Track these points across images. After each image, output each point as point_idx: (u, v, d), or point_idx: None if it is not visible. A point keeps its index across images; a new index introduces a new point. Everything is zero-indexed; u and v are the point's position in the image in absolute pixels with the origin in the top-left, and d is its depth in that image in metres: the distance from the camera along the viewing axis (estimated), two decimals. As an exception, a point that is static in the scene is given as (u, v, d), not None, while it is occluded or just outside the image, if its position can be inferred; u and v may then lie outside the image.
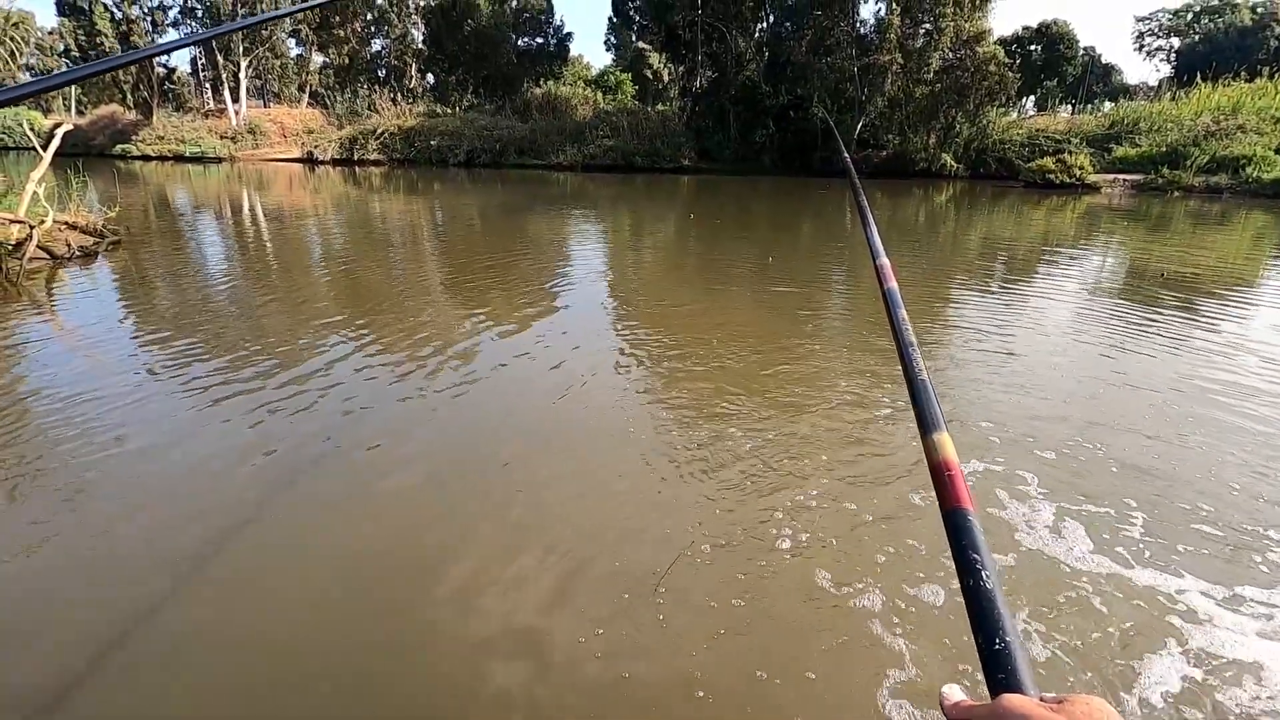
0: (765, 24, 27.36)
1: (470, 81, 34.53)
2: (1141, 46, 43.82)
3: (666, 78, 37.62)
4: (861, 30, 24.52)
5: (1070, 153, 20.95)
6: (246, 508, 2.86)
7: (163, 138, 32.63)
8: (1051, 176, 19.86)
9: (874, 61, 23.27)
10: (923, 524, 2.69)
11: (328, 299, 6.45)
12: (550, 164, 27.30)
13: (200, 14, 34.09)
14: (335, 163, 29.21)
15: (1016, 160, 22.26)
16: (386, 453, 3.36)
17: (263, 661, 2.07)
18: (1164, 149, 20.47)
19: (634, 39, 38.53)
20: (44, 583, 2.40)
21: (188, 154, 31.60)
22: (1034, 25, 37.09)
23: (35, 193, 7.84)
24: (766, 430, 3.58)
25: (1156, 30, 42.90)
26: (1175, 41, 41.66)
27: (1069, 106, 34.50)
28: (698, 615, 2.22)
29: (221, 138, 32.82)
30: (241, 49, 33.59)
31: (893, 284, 1.01)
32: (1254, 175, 18.30)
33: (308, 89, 39.28)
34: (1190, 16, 40.66)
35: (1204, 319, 5.91)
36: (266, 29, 33.82)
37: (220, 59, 33.66)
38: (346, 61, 36.67)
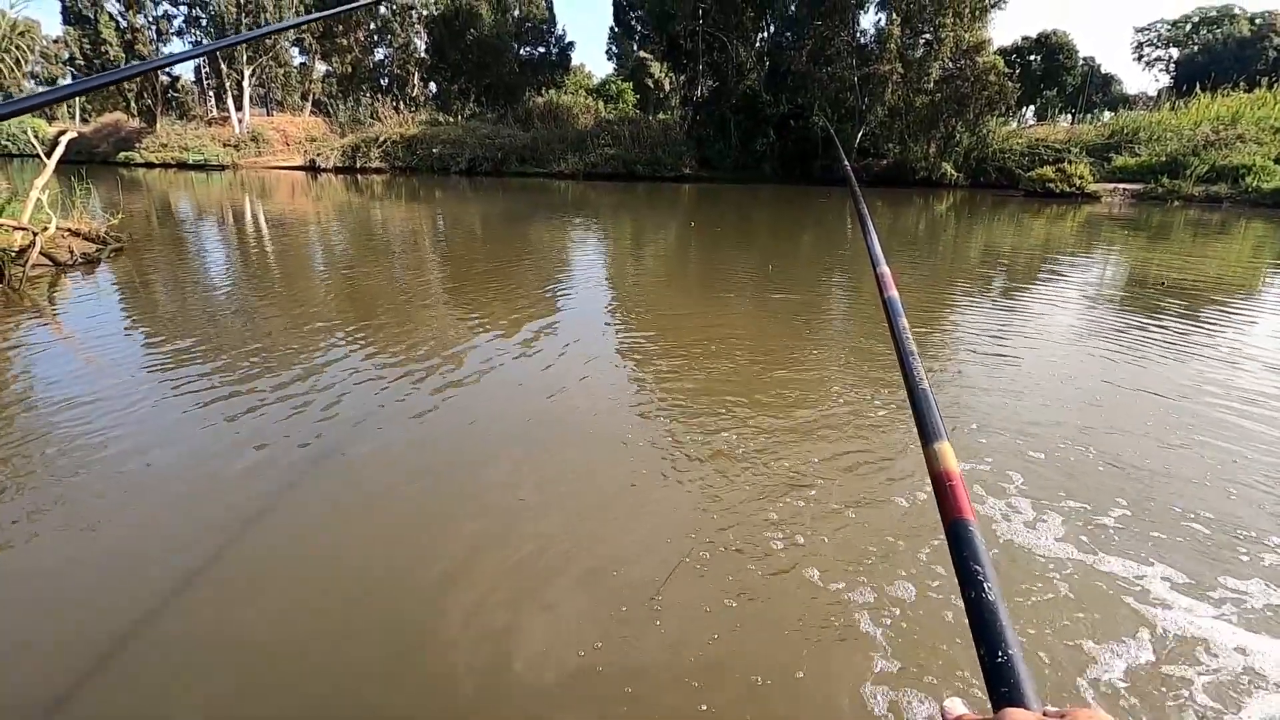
0: (766, 34, 27.52)
1: (472, 90, 34.75)
2: (1141, 57, 44.01)
3: (668, 87, 37.78)
4: (862, 40, 24.65)
5: (1070, 162, 21.02)
6: (245, 510, 2.85)
7: (166, 145, 32.80)
8: (1051, 186, 19.92)
9: (874, 71, 23.38)
10: (921, 532, 2.68)
11: (328, 305, 6.46)
12: (552, 172, 27.39)
13: (204, 23, 34.33)
14: (337, 170, 29.33)
15: (1016, 169, 22.32)
16: (385, 456, 3.35)
17: (260, 662, 2.07)
18: (1163, 158, 20.53)
19: (635, 48, 38.71)
20: (43, 584, 2.40)
21: (191, 162, 31.75)
22: (1033, 35, 37.30)
23: (39, 200, 7.87)
24: (765, 437, 3.57)
25: (1155, 41, 43.08)
26: (1174, 52, 41.83)
27: (1069, 116, 34.59)
28: (697, 624, 2.21)
29: (225, 145, 33.00)
30: (245, 58, 33.79)
31: (893, 292, 1.01)
32: (1253, 185, 18.34)
33: (311, 97, 39.51)
34: (1189, 27, 40.85)
35: (1204, 327, 5.90)
36: (270, 39, 34.08)
37: (224, 68, 33.87)
38: (349, 70, 36.90)
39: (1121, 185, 20.37)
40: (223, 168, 31.33)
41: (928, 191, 22.21)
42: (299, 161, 31.09)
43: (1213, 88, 23.83)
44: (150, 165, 31.64)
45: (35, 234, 7.33)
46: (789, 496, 2.98)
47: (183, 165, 31.51)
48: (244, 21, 32.67)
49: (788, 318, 6.18)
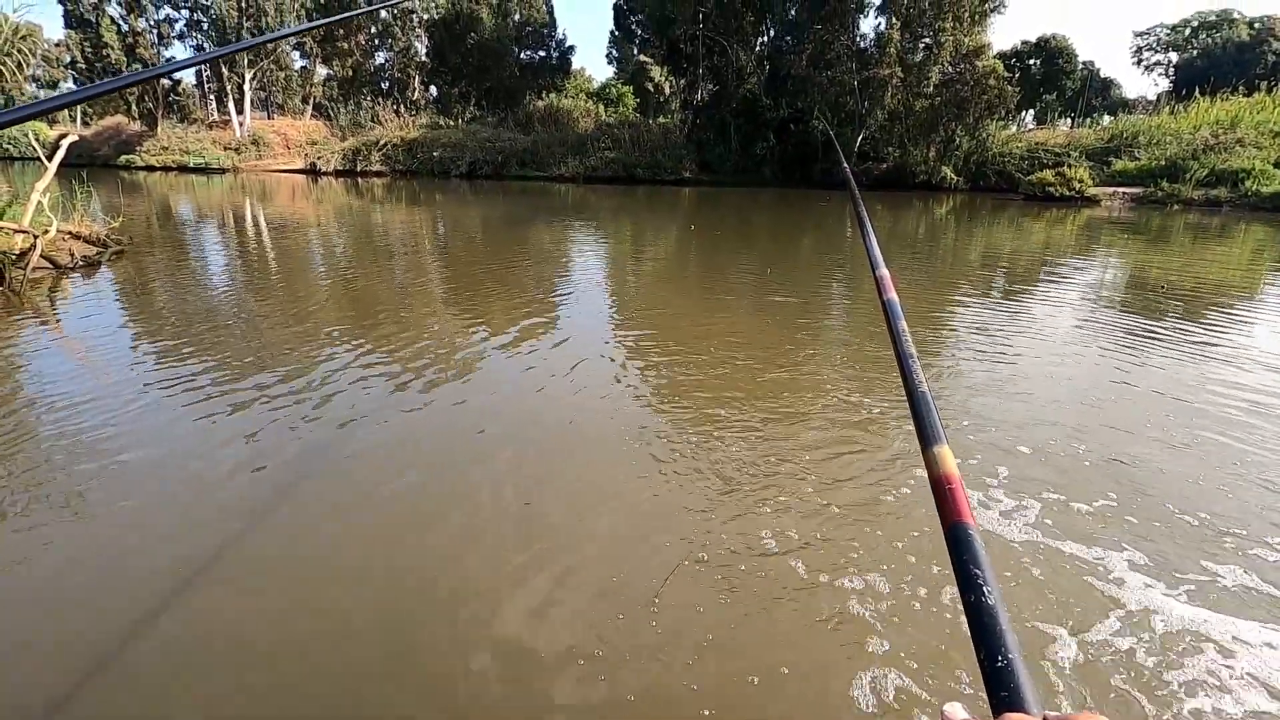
0: (766, 38, 27.59)
1: (473, 94, 34.82)
2: (1140, 61, 44.15)
3: (668, 90, 37.89)
4: (861, 44, 24.71)
5: (1070, 166, 21.04)
6: (244, 510, 2.85)
7: (167, 149, 32.90)
8: (1051, 189, 19.94)
9: (874, 75, 23.43)
10: (921, 532, 2.68)
11: (328, 308, 6.46)
12: (552, 176, 27.44)
13: (205, 27, 34.44)
14: (338, 174, 29.38)
15: (1016, 173, 22.33)
16: (383, 457, 3.35)
17: (260, 662, 2.07)
18: (1163, 162, 20.55)
19: (636, 52, 38.84)
20: (43, 584, 2.39)
21: (191, 165, 31.82)
22: (1033, 40, 37.46)
23: (40, 203, 7.88)
24: (763, 438, 3.57)
25: (1155, 45, 43.21)
26: (1174, 56, 41.94)
27: (1068, 120, 34.65)
28: (695, 625, 2.20)
29: (225, 149, 33.09)
30: (246, 61, 33.89)
31: (892, 295, 1.01)
32: (1253, 189, 18.36)
33: (311, 101, 39.60)
34: (1188, 31, 40.96)
35: (1204, 330, 5.90)
36: (272, 43, 34.15)
37: (225, 71, 33.98)
38: (350, 74, 37.01)
39: (1121, 189, 20.39)
40: (223, 171, 31.39)
41: (927, 195, 22.23)
42: (299, 165, 31.15)
43: (1212, 92, 23.88)
44: (151, 168, 31.72)
45: (36, 237, 7.34)
46: (788, 497, 2.98)
47: (183, 168, 31.58)
48: (245, 26, 32.77)
49: (787, 320, 6.18)
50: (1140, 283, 8.32)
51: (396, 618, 2.26)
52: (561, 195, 21.63)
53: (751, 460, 3.36)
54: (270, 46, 34.44)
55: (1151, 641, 2.14)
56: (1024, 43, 37.38)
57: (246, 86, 34.37)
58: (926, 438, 0.69)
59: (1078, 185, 19.87)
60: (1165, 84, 41.06)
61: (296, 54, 39.39)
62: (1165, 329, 5.94)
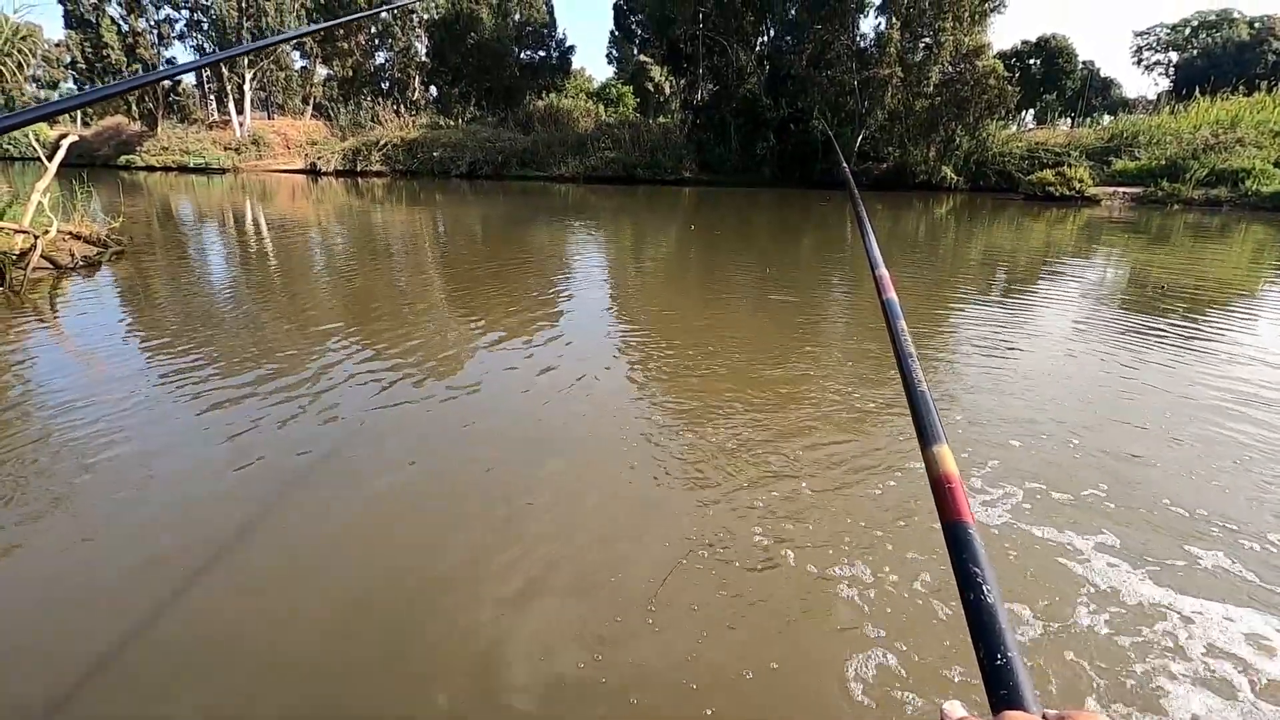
0: (766, 38, 27.57)
1: (473, 94, 34.81)
2: (1140, 61, 44.13)
3: (668, 90, 37.87)
4: (861, 44, 24.69)
5: (1070, 165, 21.03)
6: (244, 511, 2.85)
7: (167, 149, 32.90)
8: (1051, 189, 19.93)
9: (874, 75, 23.42)
10: (919, 532, 2.68)
11: (328, 308, 6.47)
12: (552, 176, 27.43)
13: (206, 27, 34.44)
14: (338, 174, 29.38)
15: (1016, 173, 22.32)
16: (382, 458, 3.35)
17: (260, 662, 2.07)
18: (1163, 162, 20.53)
19: (636, 52, 38.81)
20: (43, 585, 2.40)
21: (192, 165, 31.83)
22: (1033, 39, 37.46)
23: (40, 203, 7.88)
24: (763, 438, 3.57)
25: (1155, 45, 43.19)
26: (1174, 56, 41.92)
27: (1068, 120, 34.66)
28: (694, 625, 2.21)
29: (225, 149, 33.09)
30: (246, 62, 33.89)
31: (892, 294, 1.01)
32: (1253, 188, 18.35)
33: (311, 101, 39.61)
34: (1188, 31, 40.94)
35: (1204, 329, 5.90)
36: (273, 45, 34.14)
37: (225, 71, 33.97)
38: (350, 74, 37.01)
39: (1121, 188, 20.38)
40: (223, 171, 31.39)
41: (927, 195, 22.22)
42: (299, 165, 31.15)
43: (1212, 91, 23.86)
44: (151, 169, 31.72)
45: (36, 237, 7.34)
46: (787, 497, 2.98)
47: (184, 169, 31.59)
48: (245, 26, 32.78)
49: (786, 319, 6.18)
50: (1140, 282, 8.32)
51: (396, 619, 2.26)
52: (561, 195, 21.63)
53: (750, 459, 3.36)
54: (270, 47, 34.47)
55: (1139, 626, 2.14)
56: (1024, 42, 37.39)
57: (246, 87, 34.38)
58: (926, 437, 0.70)
59: (1078, 185, 19.87)
60: (1165, 84, 41.08)
61: (296, 54, 39.42)
62: (1165, 328, 5.94)
